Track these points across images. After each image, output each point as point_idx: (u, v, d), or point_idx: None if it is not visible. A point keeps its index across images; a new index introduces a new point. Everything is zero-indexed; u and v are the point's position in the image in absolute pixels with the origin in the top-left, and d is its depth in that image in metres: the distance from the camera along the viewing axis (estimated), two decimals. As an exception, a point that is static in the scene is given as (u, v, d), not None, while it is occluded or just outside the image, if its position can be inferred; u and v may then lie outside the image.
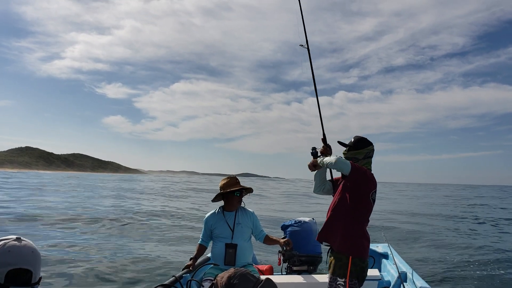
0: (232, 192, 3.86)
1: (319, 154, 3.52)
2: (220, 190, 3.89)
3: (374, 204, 3.24)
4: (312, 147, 3.53)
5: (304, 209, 21.86)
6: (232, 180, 3.93)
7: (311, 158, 3.50)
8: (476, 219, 19.38)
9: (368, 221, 3.27)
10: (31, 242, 1.63)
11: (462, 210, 25.19)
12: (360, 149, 3.32)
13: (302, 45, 3.95)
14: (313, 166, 3.48)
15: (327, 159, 3.27)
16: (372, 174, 3.27)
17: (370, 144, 3.35)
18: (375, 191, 3.23)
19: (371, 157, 3.36)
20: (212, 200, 4.00)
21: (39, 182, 48.69)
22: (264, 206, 24.19)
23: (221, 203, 4.03)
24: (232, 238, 3.79)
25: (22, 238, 1.62)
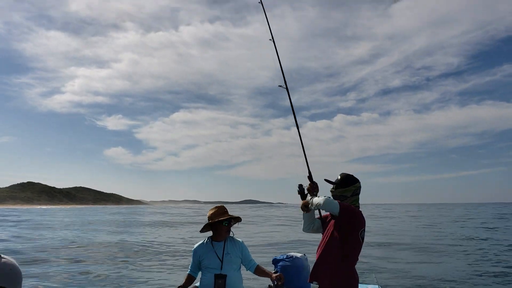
0: (220, 222, 3.80)
1: (305, 191, 3.52)
2: (208, 220, 3.84)
3: (363, 242, 3.24)
4: (299, 185, 3.54)
5: (300, 237, 20.69)
6: (220, 210, 3.89)
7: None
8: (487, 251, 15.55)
9: (357, 259, 3.27)
10: (12, 259, 1.54)
11: (468, 235, 22.40)
12: (348, 186, 3.35)
13: (281, 86, 4.03)
14: (305, 207, 3.48)
15: (315, 200, 3.27)
16: (361, 211, 3.29)
17: (357, 181, 3.39)
18: (364, 229, 3.24)
19: (359, 194, 3.38)
20: (200, 231, 3.91)
21: (41, 219, 48.38)
22: (262, 234, 24.00)
23: (210, 233, 3.95)
24: (221, 268, 3.73)
25: (2, 255, 1.53)
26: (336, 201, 3.19)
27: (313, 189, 3.52)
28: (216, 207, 3.93)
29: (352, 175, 3.42)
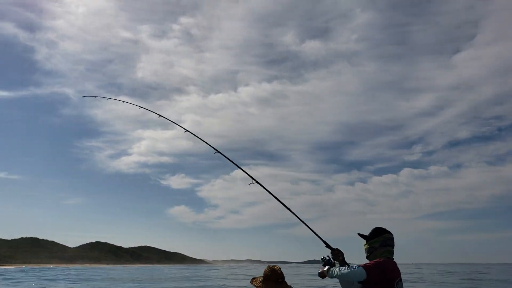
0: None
1: (332, 261, 3.53)
2: (265, 281, 3.32)
3: None
4: (322, 258, 3.53)
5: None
6: (279, 276, 3.29)
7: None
8: None
9: None
10: None
11: None
12: (375, 238, 3.41)
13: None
14: (322, 276, 3.46)
15: (335, 271, 3.31)
16: (393, 262, 3.34)
17: (386, 232, 3.44)
18: (400, 279, 3.28)
19: (390, 245, 3.41)
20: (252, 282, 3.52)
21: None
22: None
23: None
24: None
25: None
26: (359, 267, 3.18)
27: (338, 256, 3.58)
28: (273, 270, 3.28)
29: (380, 227, 3.49)
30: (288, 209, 4.08)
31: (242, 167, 4.48)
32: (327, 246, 3.68)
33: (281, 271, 3.38)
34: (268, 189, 4.22)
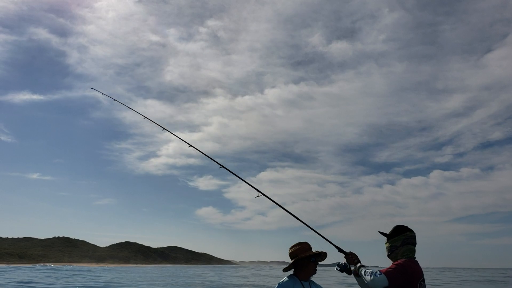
0: (308, 258, 3.36)
1: (347, 265, 3.46)
2: (293, 257, 3.42)
3: None
4: (338, 263, 3.48)
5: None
6: (306, 245, 3.47)
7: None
8: None
9: None
10: None
11: None
12: (396, 236, 3.35)
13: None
14: (356, 275, 3.41)
15: (363, 277, 3.21)
16: (415, 262, 3.26)
17: (407, 230, 3.38)
18: (423, 279, 3.20)
19: (412, 244, 3.33)
20: (284, 270, 3.49)
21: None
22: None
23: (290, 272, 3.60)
24: None
25: None
26: (382, 275, 3.09)
27: (352, 260, 3.46)
28: (299, 243, 3.51)
29: (402, 225, 3.42)
30: (296, 217, 4.07)
31: (247, 181, 4.43)
32: (340, 250, 3.60)
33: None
34: (275, 200, 4.20)
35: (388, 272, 3.10)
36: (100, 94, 8.54)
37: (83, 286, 25.75)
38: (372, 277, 3.11)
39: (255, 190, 4.23)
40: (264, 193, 4.17)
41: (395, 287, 3.09)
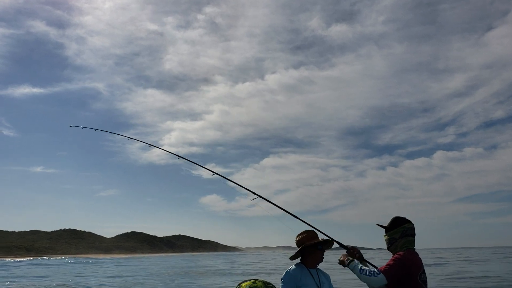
0: (315, 246, 3.35)
1: (348, 260, 3.40)
2: (300, 245, 3.41)
3: (426, 285, 3.21)
4: (339, 259, 3.46)
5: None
6: (312, 233, 3.48)
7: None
8: None
9: None
10: None
11: None
12: (395, 228, 3.33)
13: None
14: (342, 264, 3.42)
15: (356, 270, 3.20)
16: (414, 253, 3.24)
17: (406, 222, 3.35)
18: (423, 271, 3.18)
19: (411, 235, 3.32)
20: (291, 258, 3.44)
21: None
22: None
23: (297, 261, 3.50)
24: None
25: None
26: (380, 274, 3.06)
27: (353, 254, 3.45)
28: (305, 232, 3.51)
29: (400, 217, 3.40)
30: (296, 217, 4.07)
31: (243, 185, 4.48)
32: (341, 245, 3.60)
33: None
34: (273, 202, 4.18)
35: (386, 271, 3.10)
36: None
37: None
38: (371, 277, 3.12)
39: (251, 193, 4.26)
40: (260, 194, 4.17)
41: (395, 282, 3.11)
